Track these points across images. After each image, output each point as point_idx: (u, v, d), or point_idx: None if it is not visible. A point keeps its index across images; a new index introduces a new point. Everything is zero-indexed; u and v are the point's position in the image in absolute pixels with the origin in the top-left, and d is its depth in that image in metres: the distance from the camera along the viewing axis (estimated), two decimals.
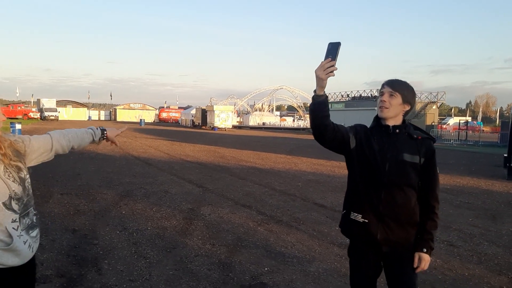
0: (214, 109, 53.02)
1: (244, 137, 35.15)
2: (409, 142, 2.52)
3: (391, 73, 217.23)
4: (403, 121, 2.59)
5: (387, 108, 2.51)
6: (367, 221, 2.49)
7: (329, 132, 2.42)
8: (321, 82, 2.29)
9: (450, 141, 34.87)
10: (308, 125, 65.68)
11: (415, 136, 2.53)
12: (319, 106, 2.35)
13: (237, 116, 73.61)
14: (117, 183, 10.06)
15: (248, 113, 76.37)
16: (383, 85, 2.57)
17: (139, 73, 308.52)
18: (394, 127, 2.54)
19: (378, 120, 2.59)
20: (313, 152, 20.82)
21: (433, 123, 44.57)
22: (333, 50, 2.30)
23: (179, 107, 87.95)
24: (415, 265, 2.52)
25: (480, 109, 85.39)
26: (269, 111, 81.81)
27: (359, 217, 2.52)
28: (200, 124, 57.58)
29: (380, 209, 2.46)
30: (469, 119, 58.59)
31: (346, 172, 2.73)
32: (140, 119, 61.71)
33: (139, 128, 47.35)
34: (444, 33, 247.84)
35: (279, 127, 64.11)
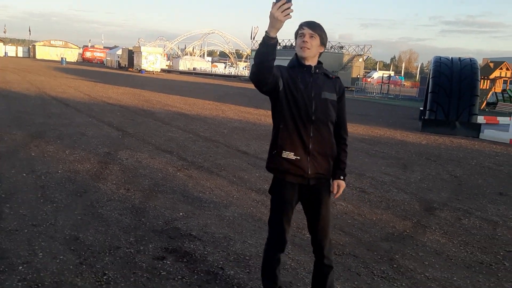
0: (141, 51, 50.60)
1: (173, 82, 34.23)
2: (327, 81, 2.66)
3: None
4: (318, 62, 2.67)
5: (308, 48, 2.56)
6: (299, 158, 2.60)
7: (271, 76, 2.39)
8: (277, 23, 2.21)
9: (373, 94, 36.34)
10: (240, 73, 65.22)
11: (331, 76, 2.68)
12: (270, 49, 2.27)
13: (167, 60, 71.23)
14: (29, 124, 9.39)
15: (178, 57, 74.09)
16: (301, 26, 2.60)
17: (62, 8, 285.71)
18: (315, 67, 2.62)
19: (298, 60, 2.62)
20: (242, 100, 20.77)
21: (358, 76, 45.81)
22: None
23: (104, 47, 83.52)
24: (334, 191, 2.73)
25: (403, 64, 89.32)
26: (201, 56, 79.94)
27: (291, 155, 2.60)
28: (127, 66, 55.13)
29: (310, 145, 2.60)
30: (392, 73, 61.15)
31: (272, 121, 2.68)
32: (62, 58, 58.09)
33: (60, 67, 44.47)
34: None
35: (210, 73, 62.95)
